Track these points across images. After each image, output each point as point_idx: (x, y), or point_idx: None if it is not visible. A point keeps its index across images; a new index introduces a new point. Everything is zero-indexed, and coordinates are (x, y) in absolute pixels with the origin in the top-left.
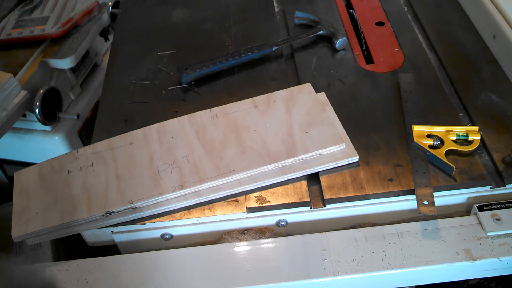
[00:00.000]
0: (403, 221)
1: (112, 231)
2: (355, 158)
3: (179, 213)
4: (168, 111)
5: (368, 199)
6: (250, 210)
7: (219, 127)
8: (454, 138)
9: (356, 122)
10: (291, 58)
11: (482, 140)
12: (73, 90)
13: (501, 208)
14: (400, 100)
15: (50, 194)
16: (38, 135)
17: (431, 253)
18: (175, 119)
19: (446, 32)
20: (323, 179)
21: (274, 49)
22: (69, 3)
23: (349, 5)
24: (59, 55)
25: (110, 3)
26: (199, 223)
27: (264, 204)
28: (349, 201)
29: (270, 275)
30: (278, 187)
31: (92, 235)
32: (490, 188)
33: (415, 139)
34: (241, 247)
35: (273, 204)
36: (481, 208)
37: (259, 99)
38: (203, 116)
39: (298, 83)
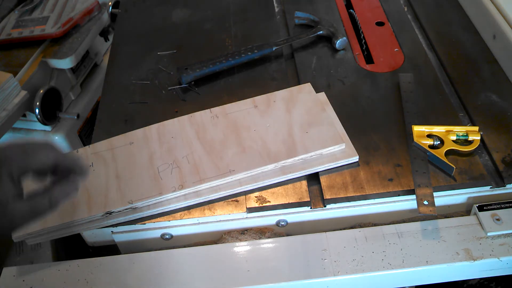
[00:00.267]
0: (403, 221)
1: (112, 231)
2: (355, 158)
3: (179, 213)
4: (168, 111)
5: (368, 199)
6: (250, 210)
7: (219, 127)
8: (454, 138)
9: (356, 122)
10: (291, 58)
11: (482, 140)
12: (73, 90)
13: (501, 208)
14: (400, 100)
15: None
16: (38, 135)
17: (431, 253)
18: (175, 119)
19: (446, 32)
20: (323, 179)
21: (274, 49)
22: (69, 3)
23: (349, 5)
24: (59, 55)
25: (110, 3)
26: (199, 223)
27: (264, 204)
28: (349, 201)
29: (270, 275)
30: (278, 187)
31: (92, 235)
32: (490, 188)
33: (415, 139)
34: (241, 247)
35: (273, 204)
36: (481, 208)
37: (259, 99)
38: (203, 116)
39: (298, 83)
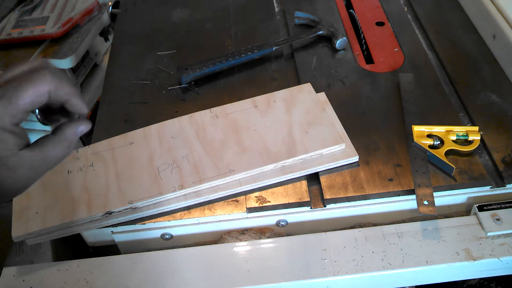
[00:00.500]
0: (403, 221)
1: (112, 231)
2: (355, 158)
3: (179, 213)
4: (168, 111)
5: (368, 199)
6: (250, 210)
7: (219, 127)
8: (454, 138)
9: (356, 122)
10: (291, 58)
11: (482, 140)
12: None
13: (501, 208)
14: (400, 100)
15: (50, 194)
16: (38, 135)
17: (431, 253)
18: (175, 119)
19: (446, 32)
20: (323, 179)
21: (274, 49)
22: (69, 3)
23: (349, 5)
24: (59, 55)
25: (110, 3)
26: (199, 223)
27: (264, 204)
28: (349, 201)
29: (270, 275)
30: (278, 187)
31: (92, 235)
32: (490, 188)
33: (415, 139)
34: (241, 247)
35: (273, 204)
36: (481, 208)
37: (259, 99)
38: (203, 116)
39: (298, 83)
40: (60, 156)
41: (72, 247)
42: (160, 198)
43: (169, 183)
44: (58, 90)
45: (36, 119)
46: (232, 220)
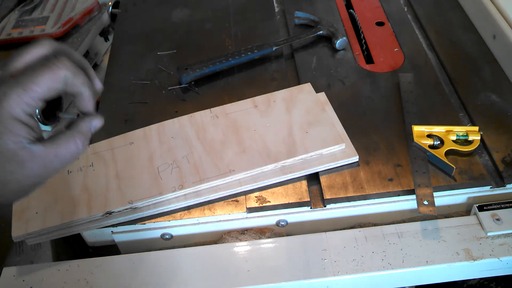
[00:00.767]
0: (403, 221)
1: (112, 231)
2: (355, 158)
3: (179, 213)
4: (168, 111)
5: (368, 199)
6: (250, 210)
7: (219, 127)
8: (454, 138)
9: (356, 122)
10: (291, 58)
11: (482, 140)
12: None
13: (501, 208)
14: (400, 100)
15: (50, 194)
16: None
17: (431, 253)
18: (175, 119)
19: (446, 32)
20: (323, 179)
21: (274, 49)
22: (69, 3)
23: (349, 5)
24: None
25: (110, 3)
26: (199, 223)
27: (264, 204)
28: (349, 201)
29: (270, 275)
30: (278, 187)
31: (92, 235)
32: (490, 188)
33: (415, 139)
34: (241, 247)
35: (273, 204)
36: (481, 208)
37: (259, 99)
38: (203, 116)
39: (298, 83)
40: (75, 152)
41: (72, 247)
42: (160, 198)
43: (169, 183)
44: (75, 78)
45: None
46: (232, 220)
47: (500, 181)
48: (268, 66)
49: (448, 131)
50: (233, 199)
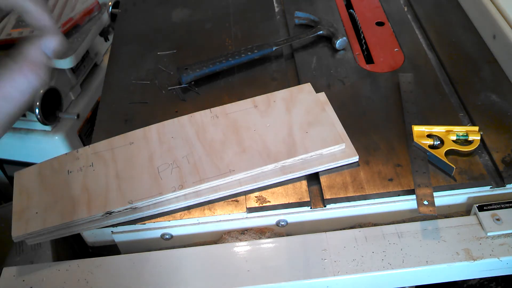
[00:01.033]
0: (403, 221)
1: (112, 231)
2: (355, 158)
3: (179, 213)
4: (168, 111)
5: (368, 199)
6: (250, 210)
7: (219, 127)
8: (454, 138)
9: (356, 122)
10: (291, 58)
11: (482, 140)
12: (73, 90)
13: (501, 208)
14: (400, 100)
15: (50, 194)
16: (38, 135)
17: (431, 253)
18: (175, 119)
19: (446, 32)
20: (323, 179)
21: (274, 49)
22: (69, 3)
23: (349, 5)
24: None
25: (110, 3)
26: (199, 223)
27: (264, 204)
28: (349, 201)
29: (270, 275)
30: (278, 187)
31: (92, 235)
32: (490, 188)
33: (415, 139)
34: (241, 247)
35: (273, 204)
36: (481, 208)
37: (259, 99)
38: (203, 116)
39: (298, 83)
40: (26, 87)
41: (72, 247)
42: (160, 198)
43: (169, 183)
44: None
45: (36, 119)
46: (232, 220)
47: (500, 181)
48: (268, 66)
49: (448, 131)
50: (233, 199)
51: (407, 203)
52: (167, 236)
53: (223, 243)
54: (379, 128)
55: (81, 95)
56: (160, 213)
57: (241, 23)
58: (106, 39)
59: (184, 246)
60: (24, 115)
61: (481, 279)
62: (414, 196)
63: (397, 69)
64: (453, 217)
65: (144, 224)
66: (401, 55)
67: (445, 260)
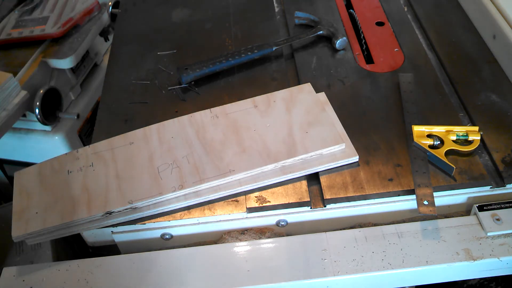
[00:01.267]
0: (403, 221)
1: (112, 231)
2: (355, 158)
3: (179, 213)
4: (168, 111)
5: (368, 199)
6: (250, 210)
7: (219, 127)
8: (454, 138)
9: (356, 122)
10: (291, 58)
11: (482, 140)
12: (73, 90)
13: (501, 208)
14: (400, 100)
15: (50, 194)
16: (38, 135)
17: (431, 253)
18: (175, 119)
19: (446, 32)
20: (323, 179)
21: (274, 49)
22: (69, 3)
23: (349, 5)
24: (59, 55)
25: (110, 3)
26: (199, 223)
27: (264, 204)
28: (349, 201)
29: (270, 275)
30: (278, 187)
31: (92, 235)
32: (490, 188)
33: (415, 139)
34: (241, 247)
35: (273, 204)
36: (481, 208)
37: (259, 99)
38: (203, 116)
39: (298, 83)
40: None
41: (72, 247)
42: (160, 198)
43: (169, 183)
44: None
45: (36, 119)
46: (232, 220)
47: (500, 181)
48: (268, 66)
49: (448, 131)
50: (233, 199)
51: (407, 203)
52: (167, 236)
53: (223, 243)
54: (379, 128)
55: (81, 95)
56: (160, 213)
57: (241, 23)
58: (106, 39)
59: (184, 246)
60: (24, 115)
61: (481, 279)
62: (414, 196)
63: (397, 69)
64: (453, 217)
65: (144, 224)
66: (401, 55)
67: (445, 260)
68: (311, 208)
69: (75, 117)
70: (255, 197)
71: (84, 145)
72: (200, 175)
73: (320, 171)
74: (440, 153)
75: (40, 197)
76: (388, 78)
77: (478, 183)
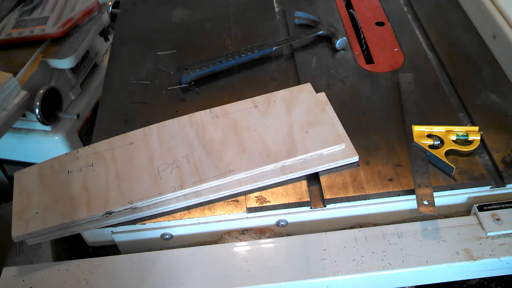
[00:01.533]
0: (403, 221)
1: (112, 231)
2: (355, 158)
3: (179, 213)
4: (168, 111)
5: (368, 199)
6: (250, 210)
7: (219, 127)
8: (454, 138)
9: (356, 122)
10: (291, 58)
11: (482, 140)
12: (73, 90)
13: (501, 208)
14: (400, 100)
15: (50, 194)
16: (38, 135)
17: (431, 253)
18: (175, 119)
19: (446, 32)
20: (323, 179)
21: (274, 49)
22: (69, 3)
23: (349, 5)
24: (59, 55)
25: (110, 3)
26: (199, 223)
27: (264, 204)
28: (349, 201)
29: (270, 275)
30: (278, 187)
31: (92, 235)
32: (490, 188)
33: (415, 139)
34: (241, 247)
35: (273, 204)
36: (481, 208)
37: (259, 99)
38: (203, 116)
39: (298, 83)
40: None
41: (72, 247)
42: (160, 198)
43: (169, 183)
44: None
45: (36, 119)
46: (232, 220)
47: (500, 181)
48: (268, 66)
49: (448, 131)
50: (233, 199)
51: (407, 203)
52: (167, 236)
53: (223, 243)
54: (379, 128)
55: (81, 95)
56: (160, 213)
57: (241, 23)
58: (106, 39)
59: (184, 246)
60: (24, 115)
61: (481, 279)
62: (414, 196)
63: (397, 69)
64: (453, 217)
65: (144, 224)
66: (401, 55)
67: (445, 260)
68: (311, 208)
69: (75, 117)
70: (255, 197)
71: (84, 145)
72: (200, 175)
73: (320, 171)
74: (440, 153)
75: (40, 197)
76: (388, 78)
77: (478, 183)
